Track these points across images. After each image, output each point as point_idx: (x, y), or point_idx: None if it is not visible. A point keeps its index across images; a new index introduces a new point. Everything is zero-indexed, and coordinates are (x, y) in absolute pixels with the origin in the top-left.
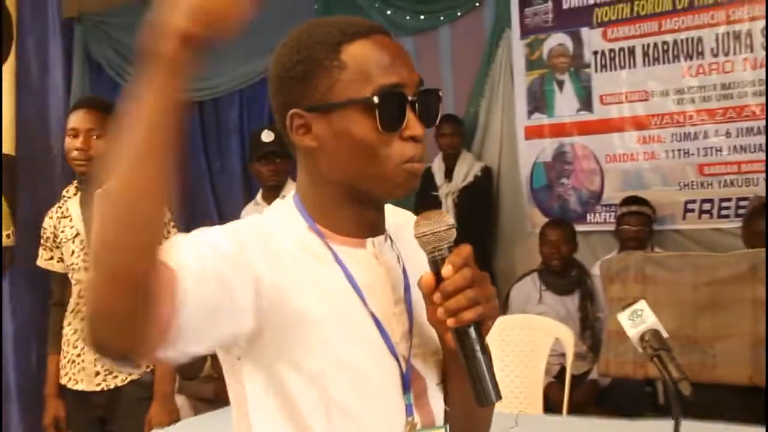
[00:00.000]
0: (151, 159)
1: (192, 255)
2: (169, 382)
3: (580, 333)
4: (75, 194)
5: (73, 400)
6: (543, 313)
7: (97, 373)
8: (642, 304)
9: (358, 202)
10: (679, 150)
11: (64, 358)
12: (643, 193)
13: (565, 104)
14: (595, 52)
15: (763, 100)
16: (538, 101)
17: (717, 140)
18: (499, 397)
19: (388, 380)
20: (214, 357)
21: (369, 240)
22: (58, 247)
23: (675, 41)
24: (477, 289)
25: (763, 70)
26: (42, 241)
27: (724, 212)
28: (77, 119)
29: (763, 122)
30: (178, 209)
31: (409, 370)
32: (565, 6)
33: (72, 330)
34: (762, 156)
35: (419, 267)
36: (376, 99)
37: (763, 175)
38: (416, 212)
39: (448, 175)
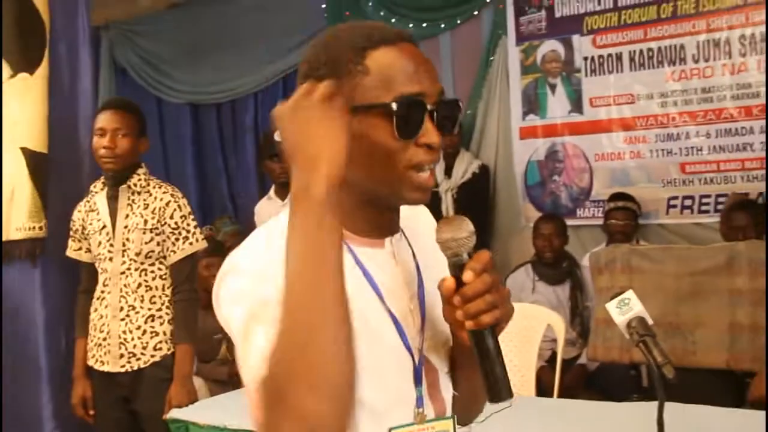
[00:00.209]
0: (332, 294)
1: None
2: (188, 365)
3: (570, 320)
4: (102, 189)
5: (99, 381)
6: (536, 302)
7: (122, 356)
8: (629, 294)
9: (374, 204)
10: (663, 149)
11: (91, 341)
12: (629, 189)
13: (557, 106)
14: (585, 58)
15: (740, 103)
16: (532, 103)
17: (698, 141)
18: (510, 395)
19: (402, 374)
20: (229, 341)
21: (387, 239)
22: (86, 239)
23: (659, 48)
24: (495, 294)
25: (740, 75)
26: (71, 233)
27: (704, 208)
28: (104, 119)
29: (740, 124)
30: (197, 204)
31: (422, 362)
32: (558, 15)
33: (98, 315)
34: (739, 155)
35: (430, 259)
36: (395, 106)
37: (740, 173)
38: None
39: (448, 172)
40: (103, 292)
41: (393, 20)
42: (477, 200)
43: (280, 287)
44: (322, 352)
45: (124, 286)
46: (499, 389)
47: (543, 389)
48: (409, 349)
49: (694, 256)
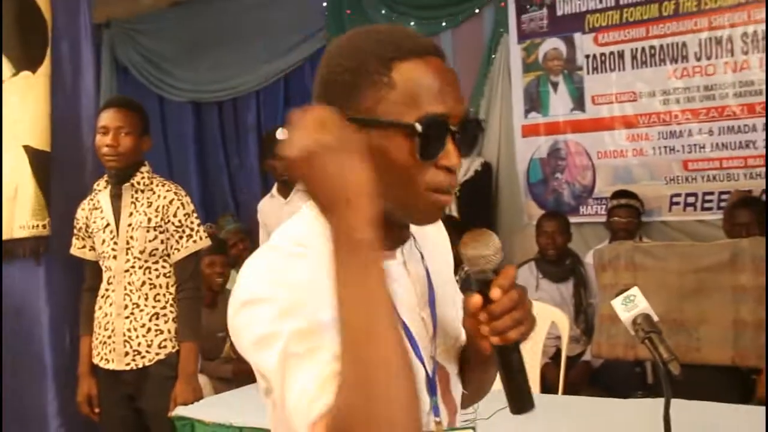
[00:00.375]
0: (391, 332)
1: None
2: (193, 363)
3: (574, 317)
4: (105, 187)
5: (104, 379)
6: (540, 299)
7: (127, 354)
8: (634, 290)
9: (387, 219)
10: (665, 147)
11: (96, 339)
12: (631, 187)
13: (559, 104)
14: (587, 56)
15: (742, 100)
16: (534, 101)
17: (700, 138)
18: (533, 406)
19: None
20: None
21: (398, 250)
22: (90, 237)
23: (661, 46)
24: (521, 310)
25: (743, 72)
26: (75, 231)
27: (707, 205)
28: (107, 118)
29: (743, 121)
30: (199, 202)
31: (435, 370)
32: (559, 13)
33: (103, 313)
34: (741, 153)
35: (438, 261)
36: (419, 127)
37: (743, 171)
38: None
39: None
40: (107, 290)
41: (394, 18)
42: (479, 198)
43: (312, 317)
44: (391, 405)
45: (129, 284)
46: (522, 402)
47: (547, 386)
48: (421, 359)
49: (697, 253)
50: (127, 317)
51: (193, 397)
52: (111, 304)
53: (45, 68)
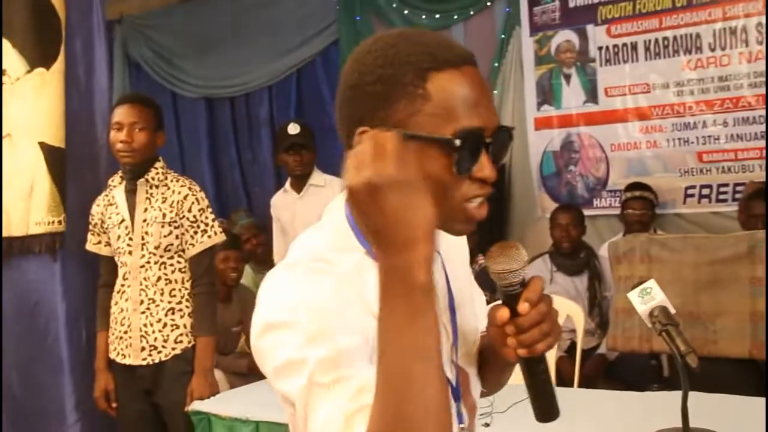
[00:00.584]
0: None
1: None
2: (209, 357)
3: (588, 311)
4: (120, 183)
5: (121, 374)
6: (554, 293)
7: (143, 349)
8: (651, 283)
9: None
10: (680, 139)
11: (112, 334)
12: (645, 179)
13: (572, 97)
14: (600, 48)
15: (758, 91)
16: (547, 94)
17: (715, 129)
18: (558, 414)
19: None
20: (248, 334)
21: None
22: (105, 232)
23: (675, 37)
24: (549, 322)
25: (758, 63)
26: (90, 227)
27: (721, 197)
28: (121, 114)
29: (759, 112)
30: (212, 198)
31: (458, 375)
32: (572, 5)
33: (119, 309)
34: (757, 144)
35: (454, 261)
36: (458, 142)
37: (759, 162)
38: None
39: None
40: (123, 285)
41: (406, 12)
42: (492, 191)
43: (337, 345)
44: None
45: (144, 279)
46: (548, 410)
47: (563, 379)
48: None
49: (713, 245)
50: (143, 312)
51: (209, 391)
52: (127, 300)
53: (59, 65)
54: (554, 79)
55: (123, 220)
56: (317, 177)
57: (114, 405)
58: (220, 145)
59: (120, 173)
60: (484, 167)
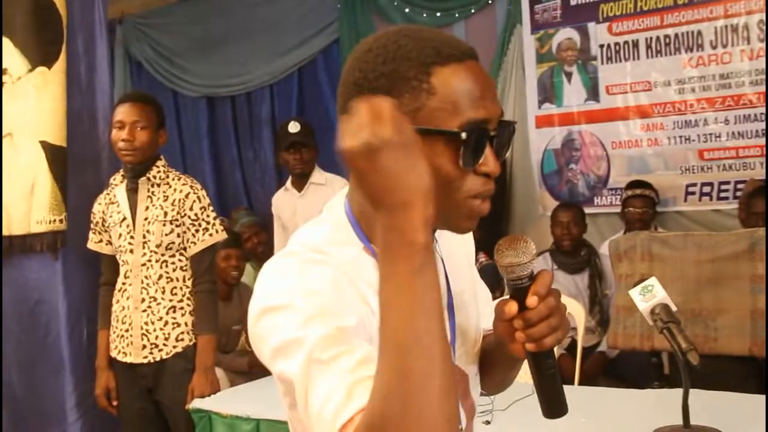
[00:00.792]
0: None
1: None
2: (210, 355)
3: (589, 308)
4: (121, 182)
5: (122, 372)
6: None
7: (144, 347)
8: (652, 280)
9: None
10: (681, 136)
11: (114, 332)
12: (646, 177)
13: (573, 95)
14: (601, 46)
15: (759, 88)
16: (548, 92)
17: (716, 127)
18: (566, 410)
19: None
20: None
21: None
22: (106, 231)
23: (676, 34)
24: (557, 316)
25: (759, 60)
26: (92, 226)
27: (722, 194)
28: (123, 112)
29: (760, 110)
30: (213, 196)
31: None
32: (573, 2)
33: (120, 307)
34: (758, 141)
35: (455, 256)
36: (464, 135)
37: (760, 159)
38: None
39: None
40: (124, 284)
41: (407, 10)
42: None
43: (336, 324)
44: (428, 421)
45: (145, 277)
46: (556, 406)
47: (563, 377)
48: None
49: (714, 242)
50: (145, 310)
51: (210, 389)
52: (128, 298)
53: (61, 64)
54: (555, 77)
55: (124, 219)
56: (318, 175)
57: (115, 403)
58: (221, 144)
59: (121, 172)
60: (489, 161)
